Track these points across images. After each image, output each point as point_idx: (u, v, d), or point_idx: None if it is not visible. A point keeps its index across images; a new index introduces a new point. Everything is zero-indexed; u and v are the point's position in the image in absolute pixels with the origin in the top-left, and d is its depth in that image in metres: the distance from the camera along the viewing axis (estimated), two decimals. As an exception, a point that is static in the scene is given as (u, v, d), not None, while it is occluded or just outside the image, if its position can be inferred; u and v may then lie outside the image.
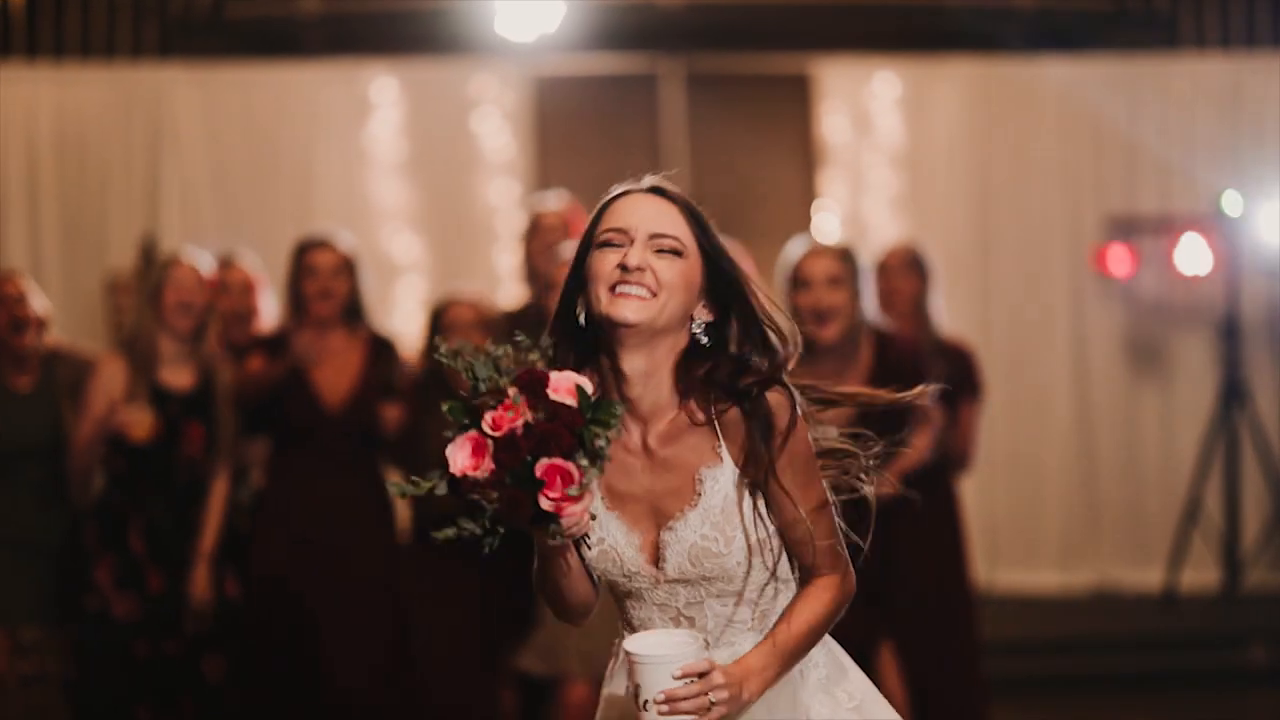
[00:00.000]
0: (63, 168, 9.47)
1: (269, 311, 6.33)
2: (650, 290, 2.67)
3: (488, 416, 2.48)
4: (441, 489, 2.50)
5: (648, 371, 2.72)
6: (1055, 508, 9.57)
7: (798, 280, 5.40)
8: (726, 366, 2.73)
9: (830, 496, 2.82)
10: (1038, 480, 9.56)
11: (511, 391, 2.49)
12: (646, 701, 2.55)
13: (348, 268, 6.00)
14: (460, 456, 2.48)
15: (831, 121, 9.63)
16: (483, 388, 2.50)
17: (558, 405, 2.49)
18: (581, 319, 2.73)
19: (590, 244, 2.74)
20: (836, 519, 2.82)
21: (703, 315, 2.75)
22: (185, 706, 5.72)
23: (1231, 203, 8.85)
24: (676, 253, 2.71)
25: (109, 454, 5.70)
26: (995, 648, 7.24)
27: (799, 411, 2.73)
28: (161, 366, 5.75)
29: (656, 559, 2.73)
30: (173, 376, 5.76)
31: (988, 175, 9.60)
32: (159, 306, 5.73)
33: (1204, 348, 9.50)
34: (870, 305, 5.50)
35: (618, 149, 9.61)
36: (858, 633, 5.50)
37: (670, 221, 2.73)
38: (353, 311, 6.02)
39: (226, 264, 6.31)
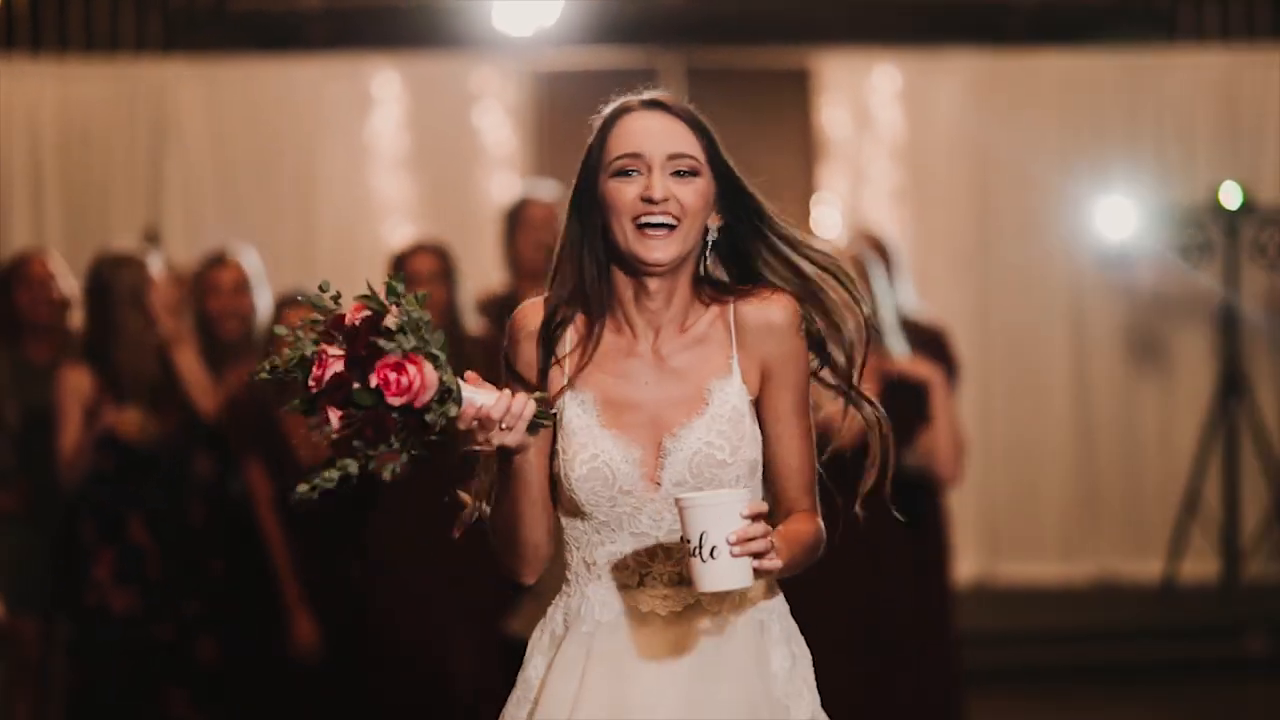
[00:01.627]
0: (66, 162, 9.51)
1: (264, 308, 6.27)
2: (675, 217, 2.66)
3: (310, 382, 2.48)
4: (347, 469, 2.51)
5: (670, 286, 2.71)
6: (1054, 499, 9.61)
7: None
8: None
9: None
10: (1037, 472, 9.59)
11: (320, 348, 2.49)
12: (715, 548, 2.47)
13: None
14: (328, 428, 2.48)
15: (831, 115, 9.66)
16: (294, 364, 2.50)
17: (352, 327, 2.47)
18: (594, 255, 2.71)
19: (599, 169, 2.70)
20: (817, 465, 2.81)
21: (713, 223, 2.74)
22: (176, 694, 5.74)
23: (1230, 195, 8.88)
24: (695, 173, 2.69)
25: (97, 453, 5.71)
26: (995, 639, 7.30)
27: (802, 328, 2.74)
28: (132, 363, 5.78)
29: (653, 475, 2.69)
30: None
31: (987, 168, 9.62)
32: (144, 312, 5.74)
33: (1203, 339, 9.53)
34: (889, 318, 5.54)
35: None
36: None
37: (684, 139, 2.69)
38: None
39: (220, 261, 6.27)
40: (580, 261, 2.72)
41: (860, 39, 9.82)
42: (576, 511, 2.72)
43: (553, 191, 6.47)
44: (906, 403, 5.49)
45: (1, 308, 6.19)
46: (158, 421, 5.74)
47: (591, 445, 2.67)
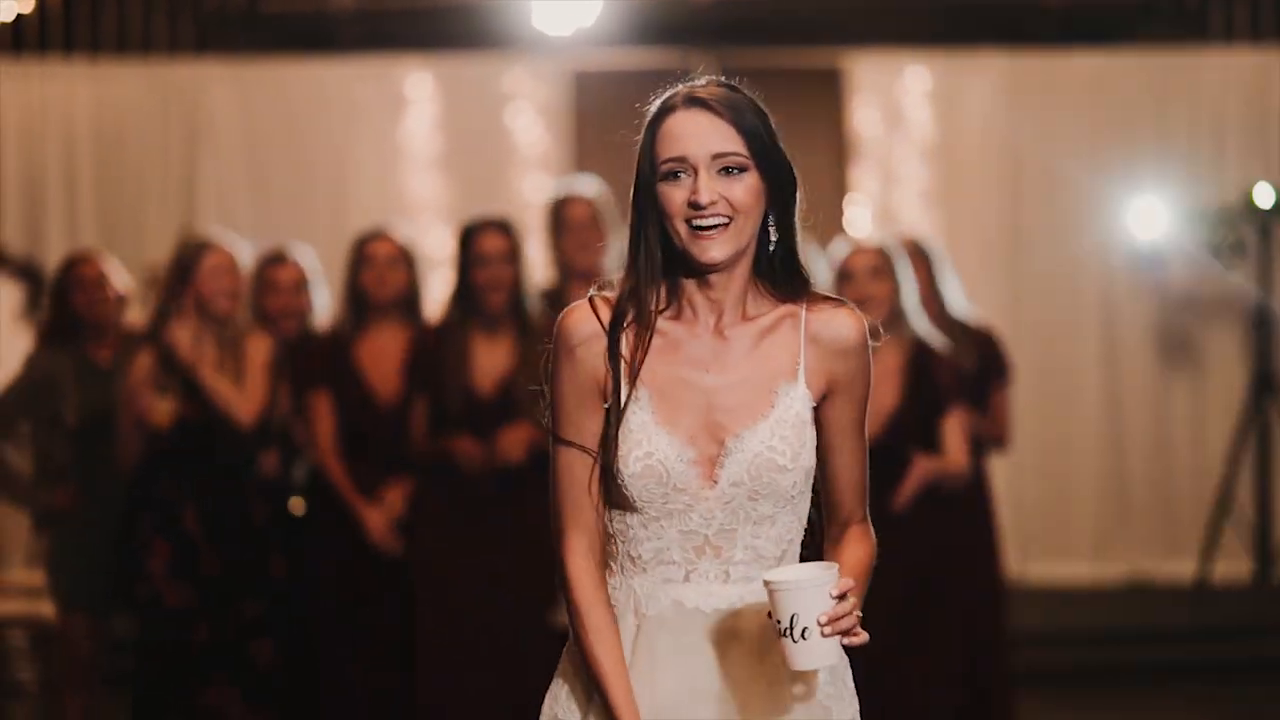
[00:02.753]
0: (100, 163, 9.56)
1: (321, 307, 6.36)
2: (726, 215, 2.66)
3: None
4: None
5: (729, 276, 2.72)
6: (1086, 499, 9.61)
7: (843, 274, 5.58)
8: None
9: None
10: (1069, 472, 9.60)
11: None
12: (806, 629, 2.51)
13: (404, 258, 6.04)
14: None
15: (863, 115, 9.68)
16: None
17: None
18: (655, 247, 2.72)
19: (651, 170, 2.71)
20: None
21: (774, 230, 2.75)
22: (228, 692, 5.78)
23: (1262, 195, 8.87)
24: (742, 169, 2.68)
25: (151, 437, 5.78)
26: (1027, 639, 7.28)
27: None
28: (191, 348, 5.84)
29: (710, 473, 2.69)
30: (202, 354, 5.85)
31: (1018, 168, 9.63)
32: (196, 292, 5.82)
33: (1235, 339, 9.52)
34: (912, 304, 5.62)
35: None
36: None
37: (727, 138, 2.67)
38: (409, 304, 6.05)
39: (278, 259, 6.34)
40: (641, 254, 2.74)
41: (891, 40, 9.85)
42: (626, 505, 2.72)
43: (594, 187, 6.45)
44: (984, 359, 5.70)
45: (60, 311, 6.26)
46: (194, 412, 5.79)
47: (646, 443, 2.68)
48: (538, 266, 9.13)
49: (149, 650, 5.78)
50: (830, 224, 9.49)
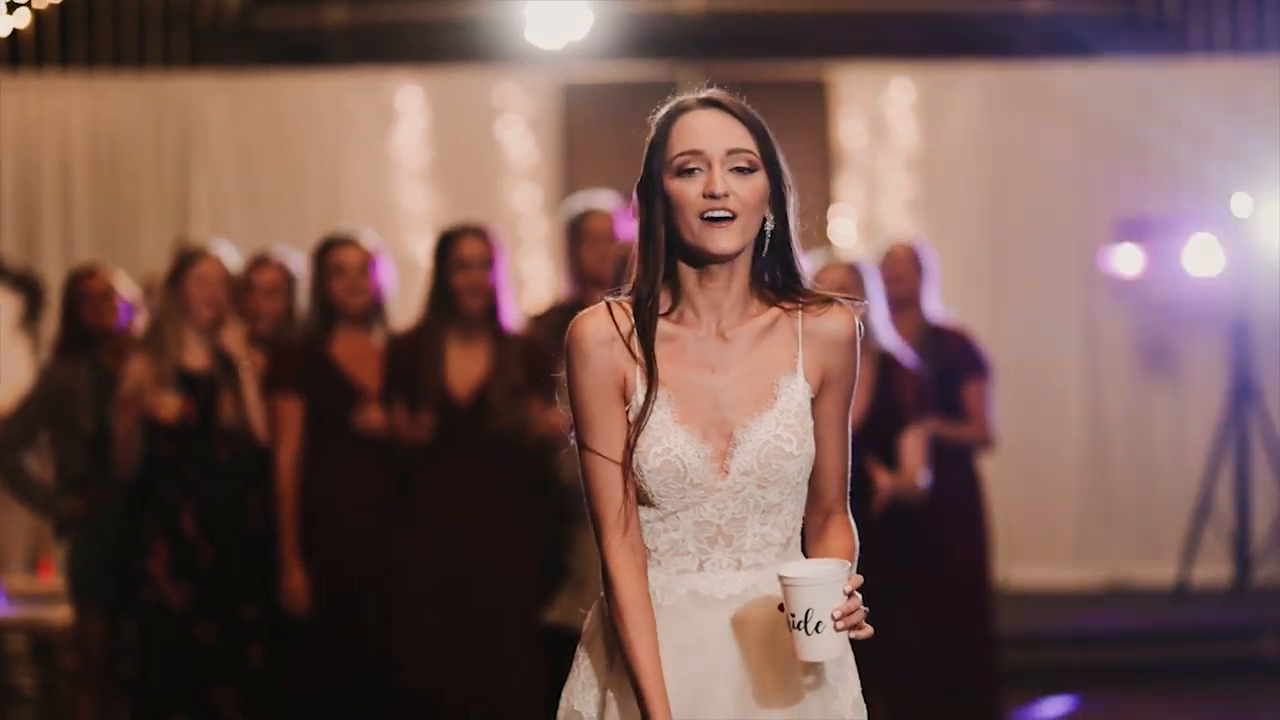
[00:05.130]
0: (95, 176, 9.65)
1: (302, 311, 6.45)
2: (733, 210, 2.75)
3: None
4: None
5: (729, 272, 2.81)
6: (1068, 504, 9.70)
7: None
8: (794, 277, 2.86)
9: None
10: (1050, 477, 9.69)
11: None
12: (820, 623, 2.62)
13: (372, 264, 6.07)
14: None
15: (848, 127, 9.78)
16: None
17: None
18: (660, 248, 2.80)
19: (662, 168, 2.79)
20: None
21: (769, 224, 2.84)
22: (226, 693, 5.85)
23: (1241, 205, 8.99)
24: (752, 168, 2.78)
25: (151, 440, 5.88)
26: (1010, 641, 7.38)
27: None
28: (184, 353, 5.94)
29: (722, 465, 2.79)
30: (194, 359, 5.94)
31: (1001, 179, 9.73)
32: (183, 297, 5.93)
33: (1214, 347, 9.62)
34: (881, 319, 5.69)
35: (640, 154, 9.72)
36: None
37: (741, 137, 2.77)
38: (378, 310, 6.11)
39: (261, 262, 6.43)
40: (649, 256, 2.83)
41: (875, 52, 9.94)
42: (644, 500, 2.83)
43: (610, 201, 6.55)
44: (951, 358, 5.75)
45: (71, 324, 6.39)
46: (193, 413, 5.89)
47: (665, 439, 2.78)
48: (528, 276, 9.31)
49: (155, 652, 5.88)
50: (814, 234, 9.59)
